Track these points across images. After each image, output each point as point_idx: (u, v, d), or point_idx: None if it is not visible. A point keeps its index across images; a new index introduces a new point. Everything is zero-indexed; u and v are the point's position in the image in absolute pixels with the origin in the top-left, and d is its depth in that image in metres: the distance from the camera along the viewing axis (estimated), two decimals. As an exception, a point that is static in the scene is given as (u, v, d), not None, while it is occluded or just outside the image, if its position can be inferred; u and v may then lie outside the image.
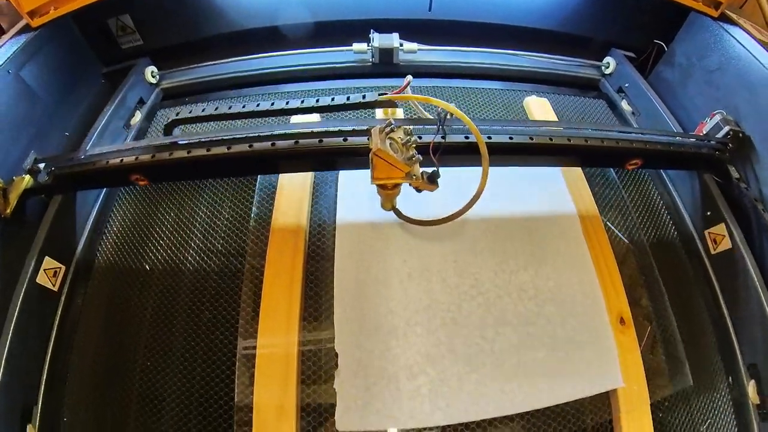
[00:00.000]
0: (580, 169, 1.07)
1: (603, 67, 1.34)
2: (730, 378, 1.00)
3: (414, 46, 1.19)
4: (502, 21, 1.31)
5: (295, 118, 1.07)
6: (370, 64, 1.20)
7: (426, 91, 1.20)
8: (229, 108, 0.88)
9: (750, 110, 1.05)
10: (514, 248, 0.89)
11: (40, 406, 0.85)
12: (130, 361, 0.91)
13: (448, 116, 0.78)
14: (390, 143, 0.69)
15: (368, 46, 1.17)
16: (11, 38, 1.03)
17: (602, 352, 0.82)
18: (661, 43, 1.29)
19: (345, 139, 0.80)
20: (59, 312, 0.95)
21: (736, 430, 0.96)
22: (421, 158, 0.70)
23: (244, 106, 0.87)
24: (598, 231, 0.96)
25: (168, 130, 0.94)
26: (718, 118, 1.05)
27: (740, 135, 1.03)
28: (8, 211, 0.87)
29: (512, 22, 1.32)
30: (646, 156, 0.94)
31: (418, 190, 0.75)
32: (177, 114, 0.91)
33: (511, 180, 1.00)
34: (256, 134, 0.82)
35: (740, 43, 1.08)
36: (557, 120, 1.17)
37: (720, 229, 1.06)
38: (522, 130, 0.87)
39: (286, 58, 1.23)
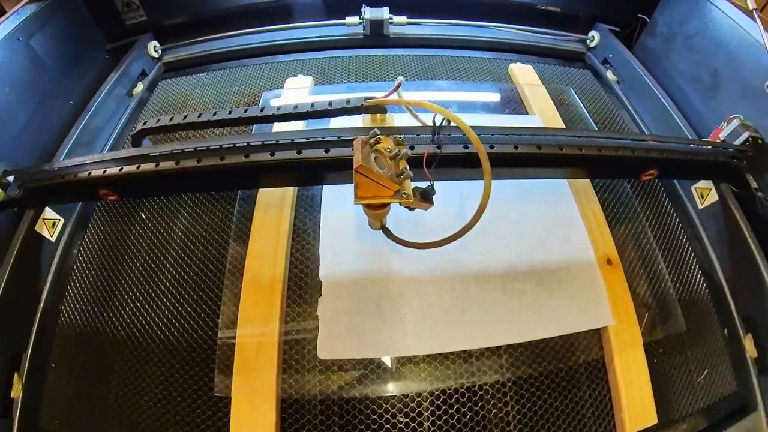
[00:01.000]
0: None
1: (588, 41, 1.37)
2: (726, 330, 0.98)
3: (403, 19, 1.22)
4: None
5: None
6: (361, 36, 1.24)
7: (413, 60, 1.22)
8: (199, 116, 0.78)
9: (729, 70, 1.07)
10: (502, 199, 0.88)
11: (29, 353, 0.84)
12: (118, 311, 0.90)
13: (444, 122, 0.69)
14: (375, 157, 0.58)
15: (360, 19, 1.21)
16: (22, 6, 1.07)
17: (590, 289, 0.81)
18: (645, 16, 1.32)
19: (327, 150, 0.69)
20: (55, 262, 0.95)
21: (734, 383, 0.93)
22: (412, 175, 0.59)
23: (215, 114, 0.77)
24: (584, 186, 0.96)
25: (135, 141, 0.87)
26: (735, 123, 0.95)
27: (759, 141, 0.93)
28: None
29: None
30: (662, 166, 0.85)
31: (410, 209, 0.63)
32: (144, 123, 0.82)
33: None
34: (230, 144, 0.72)
35: (717, 7, 1.11)
36: (550, 99, 1.15)
37: (706, 183, 1.05)
38: (528, 139, 0.75)
39: (283, 32, 1.27)
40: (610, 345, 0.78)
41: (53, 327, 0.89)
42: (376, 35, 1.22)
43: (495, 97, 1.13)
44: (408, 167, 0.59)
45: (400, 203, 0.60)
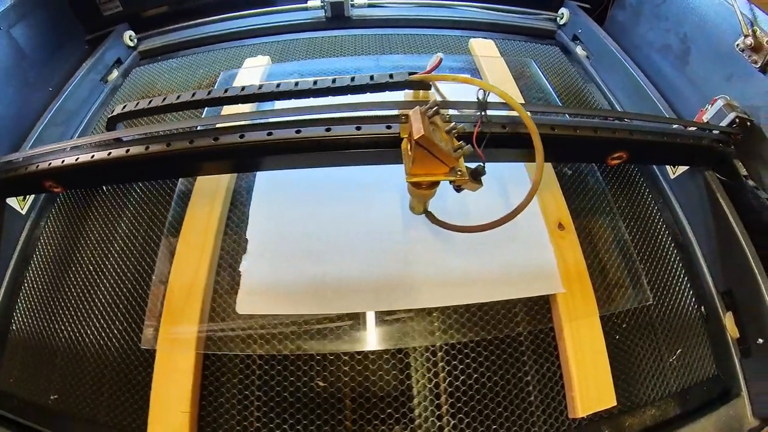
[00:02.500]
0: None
1: (558, 18, 1.31)
2: (703, 308, 0.86)
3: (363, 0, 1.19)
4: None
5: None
6: (324, 19, 1.21)
7: (373, 40, 1.19)
8: (193, 95, 0.70)
9: (698, 33, 0.98)
10: None
11: None
12: (72, 276, 0.89)
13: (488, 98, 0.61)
14: (432, 130, 0.51)
15: (321, 2, 1.18)
16: None
17: (537, 254, 0.72)
18: None
19: (358, 128, 0.62)
20: (24, 233, 0.96)
21: (713, 366, 0.81)
22: (470, 150, 0.53)
23: (209, 93, 0.69)
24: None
25: (110, 125, 0.80)
26: (720, 103, 0.84)
27: (748, 123, 0.82)
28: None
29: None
30: (633, 148, 0.74)
31: (458, 189, 0.57)
32: (124, 107, 0.75)
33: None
34: (231, 123, 0.65)
35: (684, -29, 1.03)
36: (509, 72, 1.09)
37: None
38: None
39: (251, 18, 1.26)
40: (560, 315, 0.69)
41: (18, 292, 0.89)
42: (338, 17, 1.20)
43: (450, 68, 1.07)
44: (464, 143, 0.53)
45: (452, 182, 0.54)
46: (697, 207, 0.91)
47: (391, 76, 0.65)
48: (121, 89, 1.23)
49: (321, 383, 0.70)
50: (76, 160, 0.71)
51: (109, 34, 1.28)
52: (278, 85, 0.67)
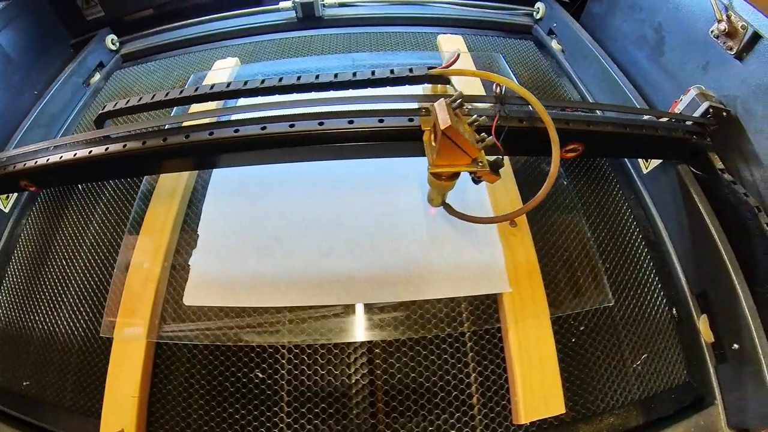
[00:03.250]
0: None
1: (534, 13, 1.26)
2: (675, 310, 0.79)
3: (333, -1, 1.18)
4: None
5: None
6: (295, 20, 1.20)
7: (342, 39, 1.18)
8: (196, 90, 0.67)
9: (673, 21, 0.93)
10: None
11: None
12: (47, 269, 0.92)
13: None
14: (456, 121, 0.51)
15: (292, 3, 1.18)
16: None
17: (485, 251, 0.68)
18: None
19: (381, 120, 0.61)
20: (7, 230, 0.99)
21: (685, 372, 0.74)
22: (493, 141, 0.54)
23: (212, 87, 0.67)
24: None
25: (98, 123, 0.80)
26: (693, 93, 0.79)
27: (724, 113, 0.77)
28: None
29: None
30: (589, 141, 0.67)
31: (477, 181, 0.57)
32: (114, 105, 0.74)
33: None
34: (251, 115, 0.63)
35: (657, -40, 0.97)
36: (472, 64, 1.05)
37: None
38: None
39: (227, 21, 1.27)
40: (506, 315, 0.64)
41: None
42: (309, 18, 1.19)
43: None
44: (486, 134, 0.54)
45: (474, 173, 0.54)
46: (670, 203, 0.84)
47: (411, 70, 0.65)
48: (102, 92, 1.25)
49: (260, 374, 0.69)
50: (47, 160, 0.72)
51: (92, 37, 1.31)
52: (299, 78, 0.66)
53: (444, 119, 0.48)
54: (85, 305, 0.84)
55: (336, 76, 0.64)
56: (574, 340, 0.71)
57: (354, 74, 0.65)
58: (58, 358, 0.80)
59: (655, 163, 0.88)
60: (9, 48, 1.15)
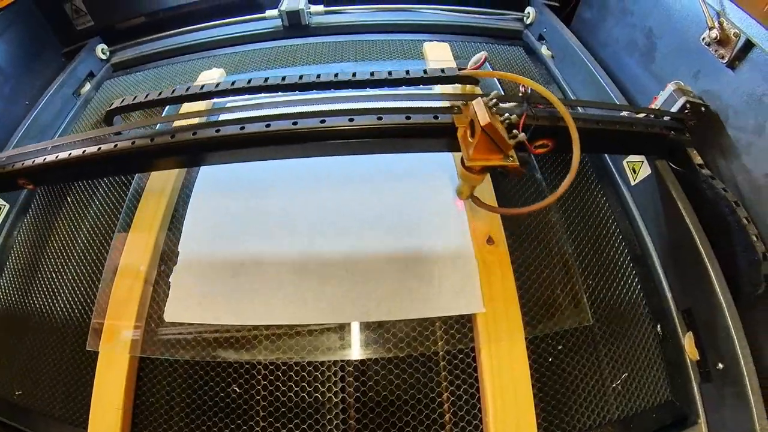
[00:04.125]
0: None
1: (524, 18, 1.22)
2: (659, 327, 0.76)
3: (320, 8, 1.16)
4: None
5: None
6: (282, 28, 1.18)
7: (331, 47, 1.14)
8: (202, 88, 0.70)
9: (664, 26, 0.89)
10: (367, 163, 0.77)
11: None
12: (38, 283, 0.92)
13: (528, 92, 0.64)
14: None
15: (278, 11, 1.15)
16: None
17: (459, 270, 0.65)
18: None
19: (408, 118, 0.62)
20: None
21: (667, 391, 0.72)
22: (524, 137, 0.58)
23: (217, 85, 0.70)
24: None
25: (108, 119, 0.88)
26: (671, 88, 0.78)
27: (702, 109, 0.76)
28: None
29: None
30: (560, 135, 0.64)
31: (504, 175, 0.60)
32: (122, 102, 0.81)
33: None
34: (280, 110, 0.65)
35: (649, -36, 0.92)
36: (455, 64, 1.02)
37: (638, 157, 0.85)
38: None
39: (214, 29, 1.25)
40: (479, 336, 0.62)
41: None
42: (295, 26, 1.16)
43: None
44: (518, 131, 0.58)
45: (505, 167, 0.57)
46: (658, 217, 0.81)
47: (443, 70, 0.69)
48: (92, 102, 1.24)
49: (237, 389, 0.69)
50: (44, 160, 0.75)
51: (82, 47, 1.30)
52: (336, 75, 0.70)
53: (483, 116, 0.53)
54: (74, 317, 0.85)
55: (372, 74, 0.68)
56: (551, 360, 0.68)
57: (390, 73, 0.69)
58: (47, 368, 0.81)
59: (643, 174, 0.85)
60: (0, 58, 1.16)
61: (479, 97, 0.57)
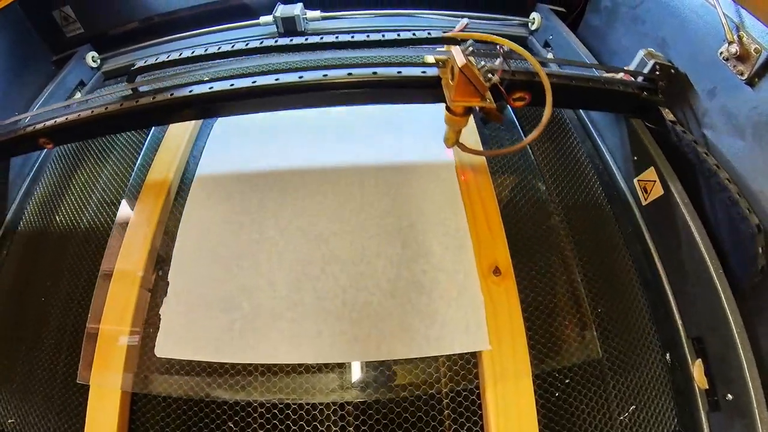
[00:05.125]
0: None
1: (529, 24, 1.16)
2: (668, 355, 0.73)
3: (316, 13, 1.10)
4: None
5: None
6: (277, 34, 1.12)
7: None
8: (219, 49, 0.77)
9: (678, 38, 0.83)
10: (368, 183, 0.73)
11: None
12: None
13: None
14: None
15: (273, 18, 1.10)
16: None
17: (462, 303, 0.61)
18: None
19: (399, 72, 0.70)
20: None
21: (675, 421, 0.69)
22: (498, 78, 0.63)
23: (233, 45, 0.77)
24: (478, 173, 0.76)
25: (131, 78, 0.89)
26: (641, 53, 0.83)
27: (672, 71, 0.80)
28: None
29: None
30: (534, 90, 0.68)
31: (485, 121, 0.72)
32: (145, 61, 0.84)
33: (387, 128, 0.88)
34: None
35: (664, -32, 0.87)
36: None
37: (650, 174, 0.81)
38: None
39: (208, 36, 1.19)
40: (484, 374, 0.59)
41: None
42: (290, 32, 1.10)
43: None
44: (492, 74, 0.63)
45: (481, 108, 0.63)
46: (670, 240, 0.77)
47: (429, 33, 0.76)
48: (83, 111, 1.20)
49: (233, 427, 0.65)
50: (66, 119, 0.80)
51: (73, 54, 1.25)
52: (336, 37, 0.75)
53: (460, 60, 0.58)
54: (66, 346, 0.81)
55: (368, 35, 0.74)
56: (558, 395, 0.65)
57: (383, 35, 0.74)
58: (40, 398, 0.78)
59: (655, 195, 0.81)
60: None
61: (457, 46, 0.63)
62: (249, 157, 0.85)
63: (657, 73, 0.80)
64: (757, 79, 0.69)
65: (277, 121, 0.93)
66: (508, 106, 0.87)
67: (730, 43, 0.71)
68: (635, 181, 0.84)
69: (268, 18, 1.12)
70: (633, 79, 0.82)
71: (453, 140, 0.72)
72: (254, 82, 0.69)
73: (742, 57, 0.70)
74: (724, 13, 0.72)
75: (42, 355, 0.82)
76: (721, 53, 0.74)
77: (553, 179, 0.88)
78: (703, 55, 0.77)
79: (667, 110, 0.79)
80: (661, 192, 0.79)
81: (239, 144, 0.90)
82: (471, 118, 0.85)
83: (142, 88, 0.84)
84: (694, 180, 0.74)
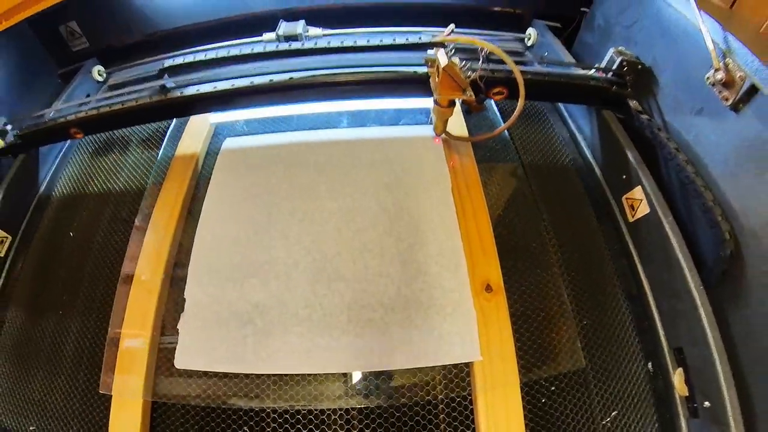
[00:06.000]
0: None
1: (526, 39, 1.18)
2: (650, 364, 0.78)
3: (318, 31, 1.11)
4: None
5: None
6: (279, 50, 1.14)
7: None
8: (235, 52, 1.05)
9: (669, 59, 0.85)
10: (368, 204, 0.78)
11: None
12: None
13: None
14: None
15: (276, 35, 1.11)
16: None
17: (456, 318, 0.66)
18: (586, 9, 1.10)
19: (395, 71, 0.90)
20: (3, 275, 1.02)
21: (656, 426, 0.74)
22: (476, 75, 0.76)
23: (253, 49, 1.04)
24: (471, 187, 0.81)
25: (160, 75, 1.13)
26: (611, 51, 0.91)
27: (639, 67, 0.88)
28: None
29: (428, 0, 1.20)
30: (510, 86, 0.81)
31: (468, 112, 0.86)
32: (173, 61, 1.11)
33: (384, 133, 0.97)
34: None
35: (653, -8, 0.89)
36: None
37: (637, 192, 0.85)
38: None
39: (213, 51, 1.21)
40: (476, 383, 0.63)
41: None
42: (292, 50, 1.12)
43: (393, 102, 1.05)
44: (471, 71, 0.77)
45: (463, 100, 0.78)
46: (655, 254, 0.81)
47: (419, 37, 0.99)
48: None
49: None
50: (98, 111, 0.97)
51: (79, 68, 1.27)
52: (342, 42, 1.00)
53: (444, 60, 0.72)
54: (85, 357, 0.86)
55: (368, 41, 0.99)
56: (544, 401, 0.70)
57: (381, 39, 0.96)
58: (59, 407, 0.82)
59: (642, 212, 0.84)
60: None
61: (441, 48, 0.76)
62: (256, 180, 0.90)
63: (625, 68, 0.88)
64: (741, 105, 0.71)
65: (284, 146, 0.99)
66: (496, 110, 1.04)
67: (716, 70, 0.74)
68: (623, 198, 0.88)
69: (271, 35, 1.13)
70: (604, 74, 0.90)
71: (441, 129, 0.88)
72: (271, 80, 0.91)
73: (727, 83, 0.73)
74: (712, 40, 0.74)
75: (62, 366, 0.85)
76: (708, 78, 0.76)
77: (540, 187, 0.92)
78: (691, 77, 0.79)
79: (635, 102, 0.87)
80: (648, 210, 0.82)
81: (247, 166, 0.95)
82: (461, 116, 0.98)
83: (168, 84, 1.02)
84: (667, 174, 0.82)
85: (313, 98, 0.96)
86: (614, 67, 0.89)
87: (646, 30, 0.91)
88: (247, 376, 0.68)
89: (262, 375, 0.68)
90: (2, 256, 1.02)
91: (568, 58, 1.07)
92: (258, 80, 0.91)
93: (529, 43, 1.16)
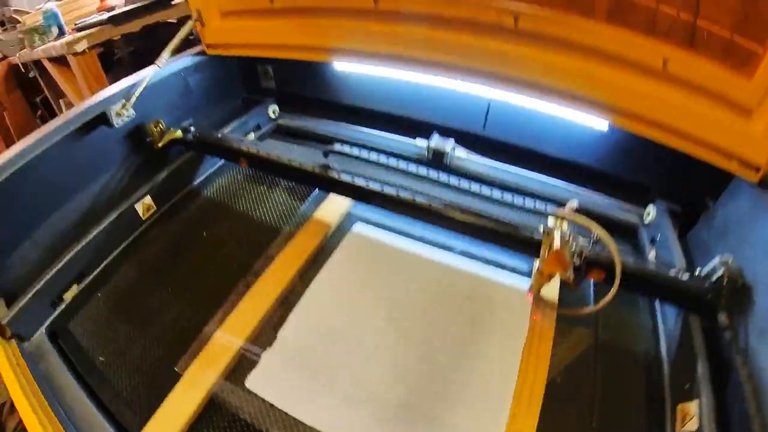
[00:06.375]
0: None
1: (645, 215, 1.38)
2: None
3: (463, 153, 1.46)
4: (548, 151, 1.52)
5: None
6: (425, 158, 1.55)
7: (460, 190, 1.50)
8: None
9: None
10: (448, 329, 1.12)
11: (91, 277, 1.30)
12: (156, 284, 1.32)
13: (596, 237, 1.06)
14: (563, 245, 0.99)
15: (427, 145, 1.52)
16: (189, 54, 1.64)
17: (488, 420, 0.92)
18: (711, 203, 1.25)
19: (516, 228, 1.12)
20: (137, 233, 1.42)
21: None
22: (579, 263, 0.97)
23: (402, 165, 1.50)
24: (542, 343, 1.06)
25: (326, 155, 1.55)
26: (717, 260, 1.01)
27: (738, 282, 0.96)
28: (159, 145, 1.44)
29: (557, 154, 1.52)
30: (610, 273, 0.98)
31: (569, 287, 1.03)
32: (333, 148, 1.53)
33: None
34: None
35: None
36: None
37: (693, 406, 1.00)
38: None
39: (368, 135, 1.67)
40: None
41: (114, 273, 1.35)
42: (437, 161, 1.52)
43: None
44: (579, 259, 1.00)
45: (563, 277, 0.99)
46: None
47: (546, 207, 1.32)
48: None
49: None
50: (257, 151, 1.41)
51: (259, 100, 1.69)
52: (481, 171, 1.46)
53: (556, 245, 0.96)
54: (174, 334, 1.14)
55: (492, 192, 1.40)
56: None
57: (513, 196, 1.34)
58: (133, 361, 1.08)
59: (689, 427, 1.01)
60: (194, 87, 1.65)
61: (558, 231, 1.00)
62: (368, 269, 1.27)
63: (725, 282, 0.95)
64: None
65: (399, 251, 1.35)
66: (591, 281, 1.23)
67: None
68: (678, 406, 1.05)
69: (423, 143, 1.54)
70: (703, 281, 0.99)
71: (536, 289, 1.12)
72: (397, 194, 1.23)
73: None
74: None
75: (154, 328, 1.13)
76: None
77: (604, 368, 1.10)
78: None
79: (724, 316, 0.94)
80: (696, 427, 1.01)
81: (365, 254, 1.34)
82: (557, 283, 1.22)
83: (331, 164, 1.38)
84: (730, 397, 0.89)
85: (437, 224, 1.26)
86: (714, 276, 0.98)
87: (758, 245, 1.01)
88: (297, 420, 0.91)
89: (309, 427, 0.91)
90: (144, 218, 1.46)
91: (676, 248, 1.23)
92: (403, 194, 1.25)
93: (647, 221, 1.38)
